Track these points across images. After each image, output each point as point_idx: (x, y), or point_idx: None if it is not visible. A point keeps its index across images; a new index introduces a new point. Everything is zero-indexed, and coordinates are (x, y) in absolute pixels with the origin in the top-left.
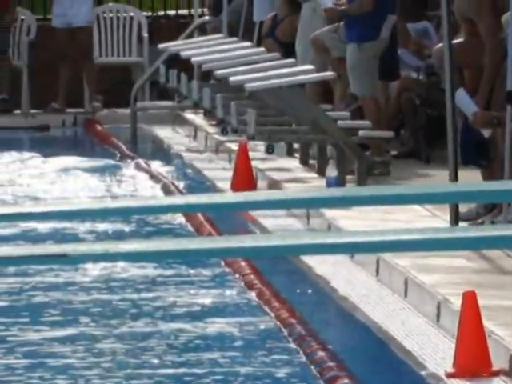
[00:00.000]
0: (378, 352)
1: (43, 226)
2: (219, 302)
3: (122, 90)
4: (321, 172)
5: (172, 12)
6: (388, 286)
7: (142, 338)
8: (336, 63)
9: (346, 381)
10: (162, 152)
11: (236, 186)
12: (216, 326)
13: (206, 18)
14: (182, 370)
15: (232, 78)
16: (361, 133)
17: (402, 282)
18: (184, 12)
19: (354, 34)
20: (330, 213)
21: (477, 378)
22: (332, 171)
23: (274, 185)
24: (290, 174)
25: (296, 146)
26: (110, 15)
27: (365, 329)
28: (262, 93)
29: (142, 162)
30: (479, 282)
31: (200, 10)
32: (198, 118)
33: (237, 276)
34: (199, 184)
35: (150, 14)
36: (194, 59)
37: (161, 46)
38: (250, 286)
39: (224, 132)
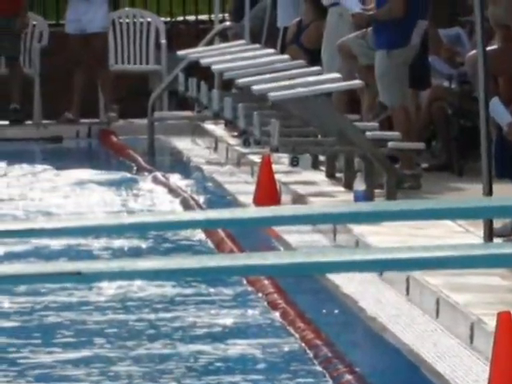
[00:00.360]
0: (409, 375)
1: (56, 243)
2: (241, 323)
3: (138, 100)
4: (348, 186)
5: (191, 17)
6: (419, 305)
7: (160, 360)
8: (364, 71)
9: None
10: (181, 165)
11: (259, 201)
12: (238, 347)
13: (227, 23)
14: None
15: (255, 87)
16: (390, 144)
17: (433, 301)
18: (204, 17)
19: (383, 40)
20: (357, 228)
21: None
22: (360, 185)
23: (298, 199)
24: (315, 187)
25: (322, 158)
26: (127, 21)
27: (394, 351)
28: (286, 102)
29: (159, 175)
30: None
31: (221, 15)
32: (218, 129)
33: (259, 295)
34: (220, 198)
35: (168, 19)
36: (214, 67)
37: (180, 53)
38: (273, 306)
39: (246, 144)
